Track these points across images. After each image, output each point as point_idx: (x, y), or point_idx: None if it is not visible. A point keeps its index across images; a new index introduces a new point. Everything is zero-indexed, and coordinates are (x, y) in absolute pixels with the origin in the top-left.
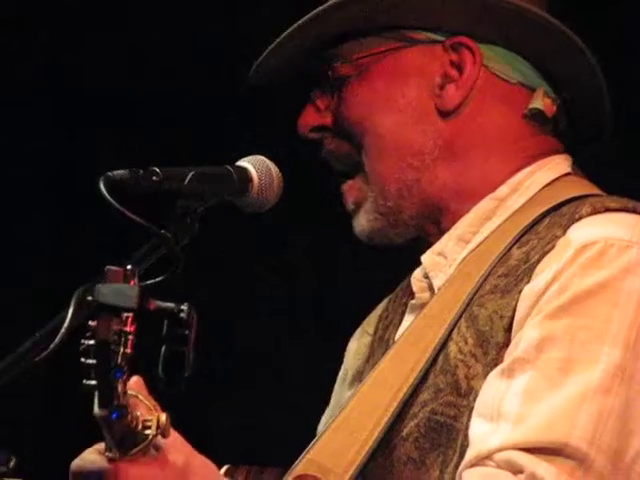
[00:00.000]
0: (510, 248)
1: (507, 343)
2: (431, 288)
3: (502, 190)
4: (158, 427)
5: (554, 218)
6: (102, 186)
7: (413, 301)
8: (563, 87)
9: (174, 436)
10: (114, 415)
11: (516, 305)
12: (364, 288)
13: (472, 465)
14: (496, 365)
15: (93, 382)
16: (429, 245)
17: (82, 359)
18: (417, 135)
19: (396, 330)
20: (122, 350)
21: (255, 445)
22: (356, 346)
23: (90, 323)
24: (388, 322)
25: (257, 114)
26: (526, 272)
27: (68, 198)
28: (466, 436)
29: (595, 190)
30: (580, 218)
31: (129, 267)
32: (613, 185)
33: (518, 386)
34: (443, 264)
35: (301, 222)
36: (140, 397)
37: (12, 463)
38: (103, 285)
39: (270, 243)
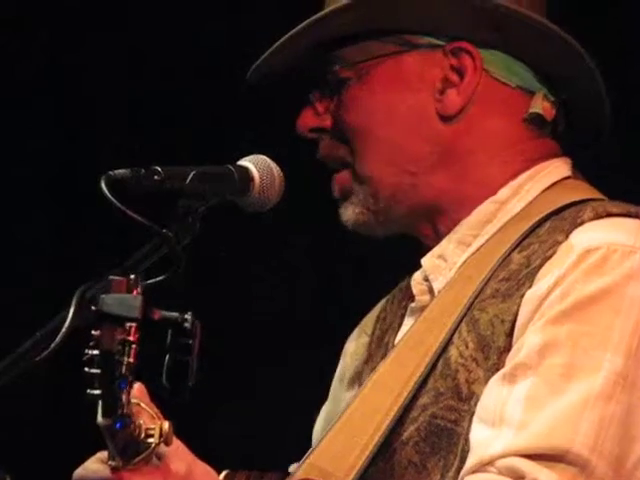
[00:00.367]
0: (511, 252)
1: (508, 348)
2: (431, 291)
3: (503, 193)
4: (161, 435)
5: (555, 222)
6: (103, 185)
7: (413, 304)
8: (562, 90)
9: (176, 444)
10: (118, 425)
11: (518, 310)
12: (364, 290)
13: (474, 471)
14: (497, 370)
15: (97, 391)
16: (425, 247)
17: (86, 369)
18: (416, 140)
19: (395, 333)
20: (126, 360)
21: (254, 449)
22: (353, 347)
23: (93, 332)
24: (387, 324)
25: (258, 114)
26: (528, 276)
27: (68, 198)
28: (467, 440)
29: (595, 194)
30: (582, 223)
31: (132, 277)
32: (614, 188)
33: (520, 392)
34: (443, 267)
35: (301, 222)
36: (142, 405)
37: None
38: (107, 295)
39: (270, 243)
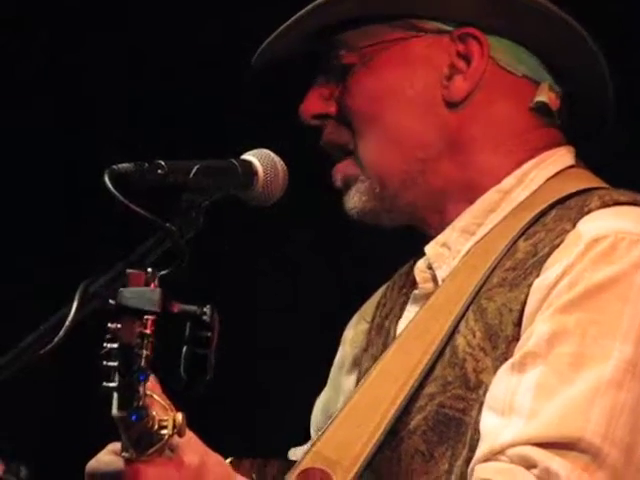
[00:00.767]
0: (516, 240)
1: (517, 337)
2: (434, 279)
3: (507, 182)
4: (174, 427)
5: (561, 211)
6: (107, 179)
7: (416, 291)
8: (567, 80)
9: (189, 435)
10: (133, 417)
11: (526, 299)
12: (368, 281)
13: (485, 460)
14: (506, 359)
15: (112, 384)
16: (430, 236)
17: (103, 362)
18: (423, 127)
19: (397, 320)
20: (145, 353)
21: (257, 439)
22: (353, 334)
23: (110, 326)
24: (387, 310)
25: (259, 109)
26: (535, 265)
27: (68, 198)
28: (476, 430)
29: (599, 183)
30: (589, 211)
31: (149, 270)
32: (619, 176)
33: (530, 381)
34: (447, 255)
35: (305, 216)
36: (155, 397)
37: (23, 474)
38: (125, 289)
39: (273, 237)
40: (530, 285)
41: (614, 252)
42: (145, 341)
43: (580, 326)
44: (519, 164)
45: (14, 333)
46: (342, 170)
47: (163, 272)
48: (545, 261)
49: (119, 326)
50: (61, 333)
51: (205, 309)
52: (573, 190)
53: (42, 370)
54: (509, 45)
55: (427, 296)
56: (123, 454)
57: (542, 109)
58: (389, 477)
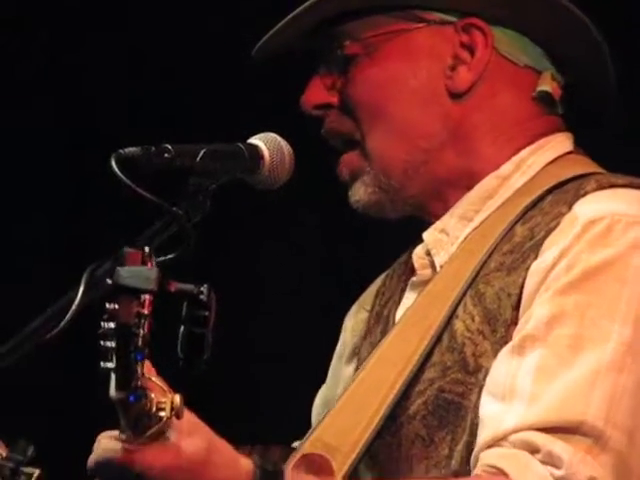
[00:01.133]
0: (513, 225)
1: (515, 321)
2: (433, 265)
3: (506, 168)
4: (172, 409)
5: (558, 195)
6: (114, 163)
7: (414, 278)
8: (569, 68)
9: (193, 419)
10: (131, 398)
11: (523, 282)
12: (370, 268)
13: (488, 447)
14: (505, 343)
15: (110, 365)
16: (432, 224)
17: (101, 342)
18: (427, 117)
19: (396, 307)
20: (142, 332)
21: (259, 425)
22: (352, 322)
23: (108, 306)
24: (386, 298)
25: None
26: (532, 249)
27: (69, 198)
28: (476, 414)
29: (597, 169)
30: (585, 194)
31: (146, 249)
32: (617, 162)
33: (530, 364)
34: (445, 241)
35: (310, 200)
36: (153, 379)
37: (30, 452)
38: (122, 268)
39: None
40: (528, 268)
41: (610, 234)
42: (142, 321)
43: (578, 308)
44: (518, 150)
45: (13, 323)
46: (348, 163)
47: (170, 256)
48: (542, 244)
49: (116, 306)
50: (67, 317)
51: (202, 288)
52: (570, 175)
53: (48, 354)
54: (512, 35)
55: (425, 283)
56: (120, 436)
57: (544, 98)
58: (389, 462)
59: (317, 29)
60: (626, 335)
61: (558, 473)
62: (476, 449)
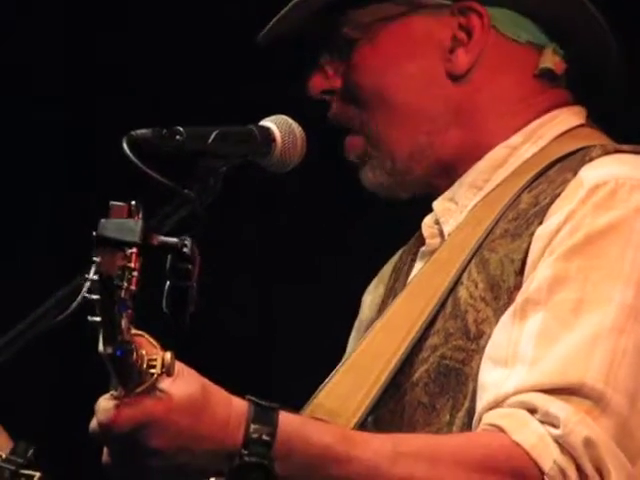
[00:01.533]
0: (520, 194)
1: (518, 286)
2: (442, 234)
3: (515, 139)
4: (163, 366)
5: (564, 163)
6: (125, 145)
7: (424, 248)
8: (571, 46)
9: (184, 371)
10: (118, 352)
11: (527, 248)
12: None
13: (490, 409)
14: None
15: (97, 318)
16: (441, 194)
17: (85, 294)
18: (428, 100)
19: (405, 278)
20: (126, 285)
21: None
22: (371, 298)
23: (94, 258)
24: (399, 273)
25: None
26: (537, 215)
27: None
28: (477, 381)
29: (608, 141)
30: (591, 160)
31: (133, 203)
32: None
33: (531, 328)
34: (454, 210)
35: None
36: (146, 336)
37: (30, 454)
38: (106, 220)
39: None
40: (532, 234)
41: (614, 197)
42: (127, 274)
43: (581, 272)
44: (527, 122)
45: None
46: (352, 146)
47: (183, 237)
48: (547, 210)
49: (99, 258)
50: (78, 299)
51: (186, 241)
52: (579, 147)
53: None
54: (511, 14)
55: (434, 251)
56: (111, 393)
57: (548, 74)
58: (393, 429)
59: (321, 15)
60: (628, 297)
61: (555, 432)
62: (478, 412)
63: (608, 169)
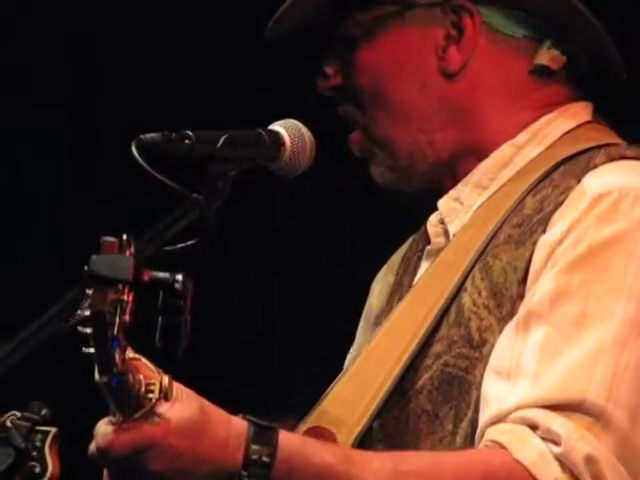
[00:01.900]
0: (525, 196)
1: (521, 295)
2: (446, 234)
3: (521, 137)
4: (161, 390)
5: (569, 166)
6: (134, 149)
7: (429, 247)
8: (568, 40)
9: (184, 393)
10: (113, 382)
11: (530, 256)
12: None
13: (492, 424)
14: (511, 318)
15: (91, 350)
16: (446, 192)
17: (79, 328)
18: (424, 99)
19: (411, 276)
20: (118, 321)
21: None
22: (379, 287)
23: (87, 292)
24: (407, 265)
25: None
26: (540, 222)
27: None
28: (480, 390)
29: (615, 139)
30: (595, 167)
31: (124, 237)
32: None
33: (534, 342)
34: (459, 210)
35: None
36: (143, 360)
37: (44, 412)
38: (97, 256)
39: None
40: (535, 242)
41: (618, 209)
42: (120, 308)
43: (584, 285)
44: (533, 120)
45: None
46: (356, 142)
47: (190, 242)
48: (550, 217)
49: (91, 293)
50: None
51: (177, 277)
52: (586, 147)
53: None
54: (505, 10)
55: (439, 251)
56: (110, 419)
57: (544, 70)
58: (397, 436)
59: (322, 12)
60: (631, 311)
61: (557, 450)
62: (480, 427)
63: (612, 178)
